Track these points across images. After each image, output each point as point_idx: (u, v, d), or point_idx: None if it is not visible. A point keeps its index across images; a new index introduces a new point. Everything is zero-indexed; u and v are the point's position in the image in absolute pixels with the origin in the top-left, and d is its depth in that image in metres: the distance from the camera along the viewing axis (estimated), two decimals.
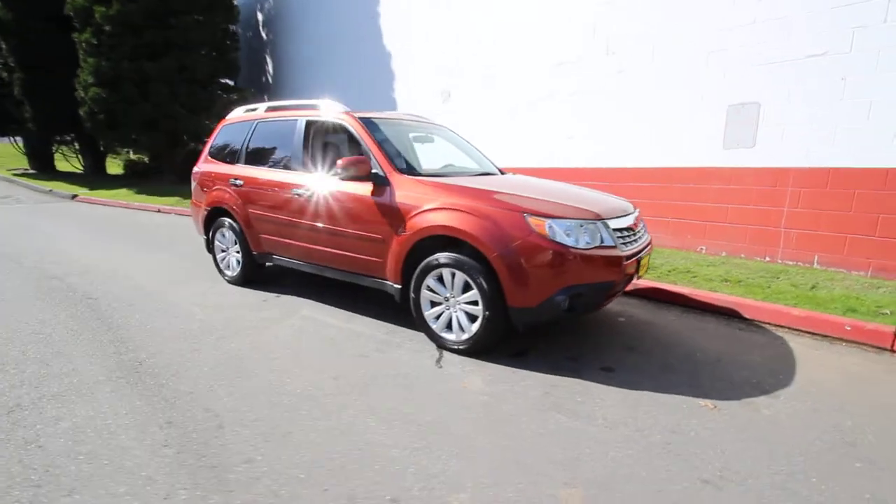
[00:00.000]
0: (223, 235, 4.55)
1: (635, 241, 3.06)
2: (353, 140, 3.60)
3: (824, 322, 3.36)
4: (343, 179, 3.34)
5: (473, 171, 3.92)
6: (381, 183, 3.26)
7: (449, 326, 3.05)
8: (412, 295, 3.15)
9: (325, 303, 4.01)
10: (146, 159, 18.02)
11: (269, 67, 15.38)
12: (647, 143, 5.82)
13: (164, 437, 2.11)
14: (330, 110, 3.81)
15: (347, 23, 11.27)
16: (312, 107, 3.98)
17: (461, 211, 2.87)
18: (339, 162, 3.27)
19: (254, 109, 4.55)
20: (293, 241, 3.89)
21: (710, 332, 3.44)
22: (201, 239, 4.90)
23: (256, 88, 15.48)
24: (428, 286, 3.07)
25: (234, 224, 4.36)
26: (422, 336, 3.28)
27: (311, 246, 3.75)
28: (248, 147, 4.34)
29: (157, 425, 2.21)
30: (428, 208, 3.00)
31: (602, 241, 2.77)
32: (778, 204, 4.82)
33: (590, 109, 6.40)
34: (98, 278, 4.74)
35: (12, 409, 2.32)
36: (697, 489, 1.82)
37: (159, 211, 10.08)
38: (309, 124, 3.90)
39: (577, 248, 2.67)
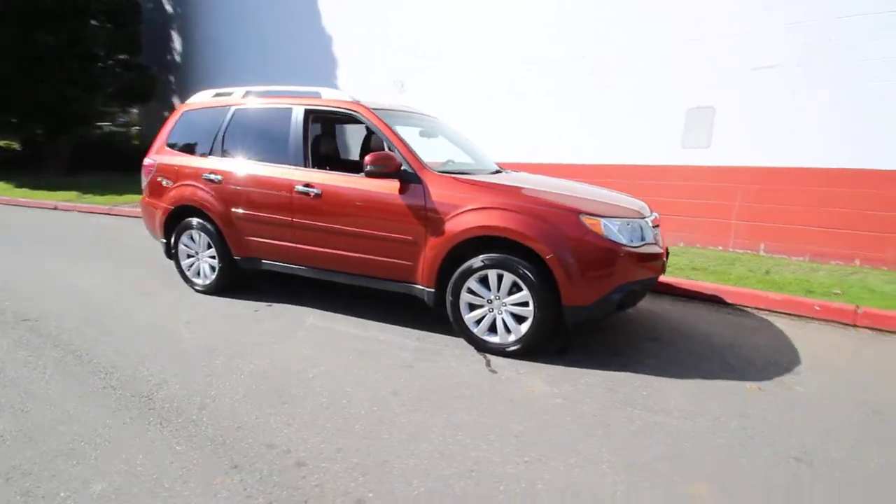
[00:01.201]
0: (191, 239, 3.97)
1: (660, 238, 3.22)
2: (368, 133, 3.32)
3: (797, 304, 3.83)
4: (369, 176, 3.07)
5: (483, 169, 3.83)
6: (410, 180, 3.05)
7: (492, 329, 2.97)
8: (449, 298, 3.01)
9: (327, 310, 3.69)
10: (16, 146, 15.14)
11: (177, 45, 13.71)
12: (610, 141, 6.16)
13: (240, 486, 1.78)
14: (336, 99, 3.47)
15: (279, 3, 10.38)
16: (311, 94, 3.59)
17: (512, 211, 2.79)
18: (368, 157, 3.00)
19: (227, 94, 3.99)
20: (292, 244, 3.50)
21: (707, 318, 3.76)
22: (135, 242, 4.21)
23: (160, 67, 13.72)
24: (469, 289, 2.95)
25: (209, 226, 3.82)
26: (456, 340, 3.15)
27: (318, 249, 3.41)
28: (224, 137, 3.80)
29: (221, 472, 1.86)
30: (471, 208, 2.87)
31: (645, 239, 2.88)
32: (730, 199, 5.39)
33: (552, 110, 6.61)
34: (26, 294, 3.90)
35: (11, 478, 1.81)
36: (796, 468, 1.97)
37: (56, 208, 8.54)
38: (308, 113, 3.52)
39: (629, 246, 2.74)
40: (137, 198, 9.43)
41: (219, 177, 3.71)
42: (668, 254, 3.21)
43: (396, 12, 8.34)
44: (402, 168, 3.05)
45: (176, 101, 14.22)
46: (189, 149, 3.99)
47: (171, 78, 14.23)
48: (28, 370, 2.64)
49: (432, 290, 3.08)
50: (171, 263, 4.30)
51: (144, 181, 4.21)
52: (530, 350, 2.89)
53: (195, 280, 4.04)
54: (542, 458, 1.99)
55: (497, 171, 3.78)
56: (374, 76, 8.82)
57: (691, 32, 5.42)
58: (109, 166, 13.52)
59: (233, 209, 3.69)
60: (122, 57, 12.37)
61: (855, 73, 4.61)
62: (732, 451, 2.08)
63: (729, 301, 4.07)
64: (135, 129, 18.38)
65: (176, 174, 3.94)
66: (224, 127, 3.81)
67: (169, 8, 13.91)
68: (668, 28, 5.57)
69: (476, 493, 1.78)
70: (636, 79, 5.87)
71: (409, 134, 3.76)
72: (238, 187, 3.65)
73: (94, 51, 11.15)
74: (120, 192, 9.68)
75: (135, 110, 16.00)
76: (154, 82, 12.95)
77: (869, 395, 2.60)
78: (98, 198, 9.18)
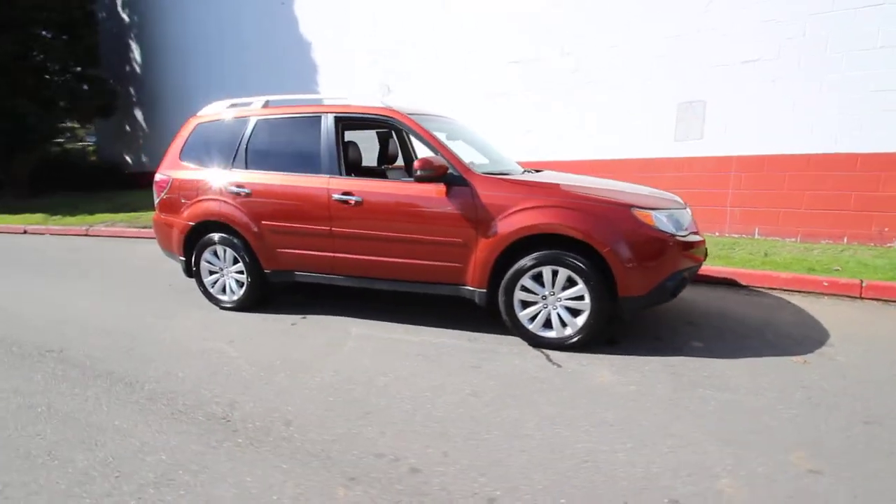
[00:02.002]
0: (215, 255, 3.83)
1: None
2: (404, 138, 3.32)
3: (807, 281, 4.11)
4: (419, 181, 3.06)
5: (512, 169, 3.87)
6: (457, 183, 3.07)
7: (546, 325, 3.03)
8: (503, 297, 3.05)
9: (365, 318, 3.64)
10: None
11: (136, 55, 13.10)
12: (606, 136, 6.37)
13: (366, 498, 1.76)
14: (369, 106, 3.44)
15: (250, 8, 10.11)
16: (340, 101, 3.55)
17: (566, 209, 2.86)
18: (417, 163, 3.00)
19: (244, 104, 3.88)
20: (331, 254, 3.44)
21: (730, 300, 3.97)
22: (124, 262, 4.05)
23: (117, 79, 13.05)
24: (523, 286, 3.00)
25: (236, 240, 3.70)
26: (507, 338, 3.20)
27: (359, 257, 3.37)
28: (248, 149, 3.69)
29: (340, 485, 1.83)
30: (524, 208, 2.93)
31: (688, 228, 3.03)
32: (723, 187, 5.70)
33: (547, 105, 6.77)
34: (32, 324, 3.65)
35: None
36: (871, 431, 2.13)
37: (25, 232, 7.99)
38: (339, 121, 3.48)
39: (679, 236, 2.88)
40: (112, 217, 9.06)
41: (246, 189, 3.60)
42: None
43: (378, 16, 8.31)
44: (448, 171, 3.07)
45: (138, 113, 13.61)
46: (207, 162, 3.84)
47: (132, 90, 13.59)
48: (80, 402, 2.49)
49: (484, 290, 3.11)
50: (176, 282, 4.16)
51: (157, 197, 4.02)
52: (585, 343, 2.97)
53: (221, 297, 3.89)
54: (644, 443, 2.07)
55: (526, 171, 3.85)
56: (358, 80, 8.75)
57: (680, 29, 5.69)
58: (70, 186, 12.75)
59: (263, 222, 3.59)
60: (76, 69, 11.67)
61: (826, 65, 4.98)
62: (808, 420, 2.23)
63: (743, 283, 4.31)
64: (90, 145, 17.41)
65: (195, 189, 3.79)
66: (247, 138, 3.70)
67: (125, 16, 13.26)
68: (658, 26, 5.83)
69: (599, 481, 1.83)
70: (628, 76, 6.10)
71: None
72: (269, 199, 3.56)
73: (48, 64, 10.49)
74: (91, 212, 9.15)
75: (79, 126, 15.15)
76: (115, 95, 12.31)
77: None
78: (69, 219, 8.64)
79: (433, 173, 3.00)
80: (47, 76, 10.83)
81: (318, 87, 9.49)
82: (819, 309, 3.71)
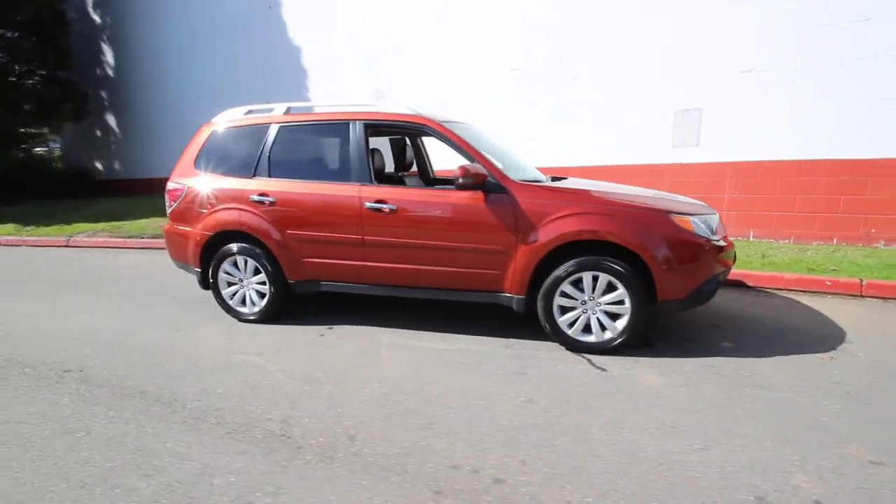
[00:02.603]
0: (234, 265, 3.71)
1: None
2: (418, 145, 3.30)
3: (811, 281, 4.31)
4: (461, 189, 3.06)
5: (538, 176, 3.88)
6: (495, 190, 3.09)
7: (586, 329, 3.07)
8: (542, 303, 3.08)
9: (392, 327, 3.60)
10: None
11: (109, 58, 12.60)
12: (605, 142, 6.53)
13: None
14: (399, 112, 3.41)
15: (235, 12, 9.88)
16: (367, 108, 3.51)
17: (606, 215, 2.92)
18: (458, 170, 2.99)
19: (264, 111, 3.77)
20: (362, 263, 3.39)
21: (744, 301, 4.12)
22: (117, 274, 3.93)
23: (87, 83, 12.49)
24: (563, 292, 3.04)
25: (258, 250, 3.59)
26: (543, 344, 3.22)
27: (393, 265, 3.33)
28: (270, 156, 3.60)
29: (428, 500, 1.80)
30: (564, 214, 2.96)
31: (719, 232, 3.13)
32: (720, 192, 5.92)
33: (546, 111, 6.89)
34: (41, 343, 3.45)
35: None
36: None
37: None
38: (368, 128, 3.44)
39: (714, 240, 2.98)
40: (91, 226, 8.63)
41: (270, 198, 3.50)
42: None
43: (368, 18, 8.27)
44: (487, 179, 3.08)
45: (111, 119, 13.05)
46: (226, 170, 3.72)
47: (103, 94, 13.01)
48: (121, 425, 2.36)
49: (523, 296, 3.13)
50: (182, 295, 4.04)
51: (170, 207, 3.87)
52: (626, 346, 3.03)
53: (241, 309, 3.77)
54: (711, 443, 2.12)
55: (553, 178, 3.86)
56: (349, 84, 8.67)
57: (676, 38, 5.91)
58: (37, 194, 12.09)
59: (288, 231, 3.50)
60: (42, 72, 11.08)
61: (818, 76, 5.28)
62: (853, 413, 2.34)
63: (751, 284, 4.49)
64: (54, 150, 16.56)
65: (214, 198, 3.67)
66: (269, 145, 3.60)
67: (96, 17, 12.73)
68: (655, 35, 6.04)
69: (680, 483, 1.87)
70: (626, 83, 6.28)
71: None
72: (295, 208, 3.48)
73: (15, 66, 9.94)
74: (68, 221, 8.70)
75: (48, 131, 14.39)
76: (87, 99, 11.78)
77: None
78: (45, 229, 8.19)
79: (474, 181, 3.01)
80: (13, 78, 10.25)
81: (308, 92, 9.35)
82: (827, 307, 3.90)
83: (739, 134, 5.72)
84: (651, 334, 3.33)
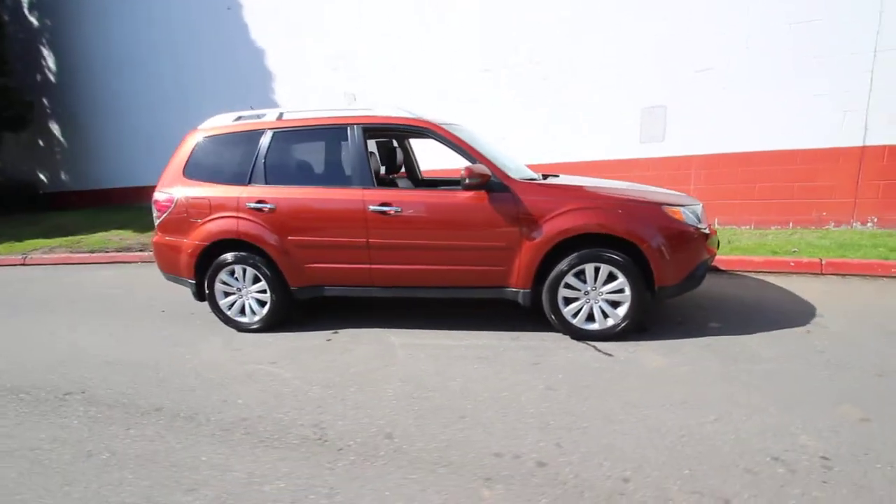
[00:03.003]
0: (232, 275, 3.63)
1: None
2: (406, 147, 3.36)
3: (777, 263, 4.70)
4: (467, 189, 3.14)
5: (530, 174, 4.01)
6: (498, 189, 3.20)
7: (589, 318, 3.24)
8: (547, 296, 3.22)
9: (395, 327, 3.65)
10: None
11: (50, 63, 11.82)
12: (576, 140, 6.80)
13: (511, 494, 1.83)
14: (397, 115, 3.46)
15: (191, 15, 9.51)
16: (363, 111, 3.53)
17: (605, 209, 3.09)
18: (464, 171, 3.08)
19: (255, 117, 3.71)
20: (367, 266, 3.42)
21: (720, 284, 4.42)
22: (88, 291, 3.84)
23: (25, 89, 11.65)
24: (566, 284, 3.19)
25: (257, 258, 3.54)
26: (547, 334, 3.36)
27: (399, 267, 3.38)
28: (266, 163, 3.55)
29: (480, 487, 1.88)
30: (566, 210, 3.11)
31: (703, 221, 3.38)
32: (686, 183, 6.30)
33: (518, 112, 7.08)
34: (23, 364, 3.27)
35: None
36: (886, 381, 2.54)
37: None
38: (366, 131, 3.46)
39: (702, 228, 3.21)
40: (45, 242, 8.10)
41: (269, 205, 3.46)
42: None
43: (337, 20, 8.20)
44: (490, 179, 3.18)
45: (55, 127, 12.24)
46: (218, 178, 3.64)
47: (45, 101, 12.17)
48: (145, 443, 2.30)
49: (528, 290, 3.26)
50: (170, 308, 3.94)
51: (159, 218, 3.74)
52: (628, 331, 3.22)
53: (240, 319, 3.70)
54: (723, 414, 2.31)
55: (547, 176, 4.00)
56: (319, 87, 8.56)
57: (640, 40, 6.24)
58: None
59: (289, 237, 3.47)
60: None
61: (769, 73, 5.73)
62: (836, 378, 2.61)
63: (723, 268, 4.84)
64: None
65: (208, 207, 3.58)
66: (264, 151, 3.56)
67: (33, 20, 11.89)
68: (620, 37, 6.35)
69: (705, 451, 2.04)
70: (594, 84, 6.57)
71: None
72: (296, 214, 3.45)
73: None
74: (19, 238, 8.12)
75: None
76: (30, 107, 11.00)
77: (883, 321, 3.36)
78: None
79: (479, 181, 3.10)
80: None
81: (273, 95, 9.15)
82: (794, 286, 4.26)
83: (702, 129, 6.11)
84: (645, 320, 3.55)
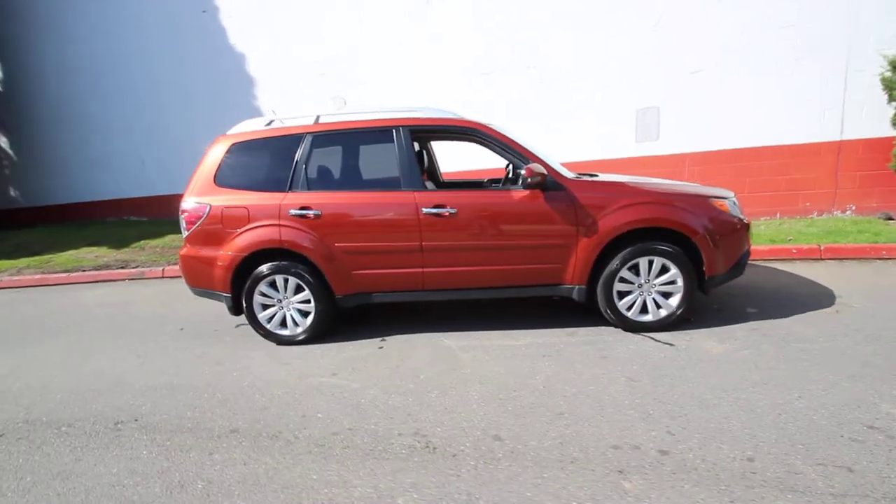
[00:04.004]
0: (272, 286, 3.47)
1: None
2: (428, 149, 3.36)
3: (781, 251, 5.02)
4: (528, 188, 3.16)
5: (573, 173, 4.04)
6: (553, 188, 3.24)
7: (643, 310, 3.33)
8: (602, 290, 3.29)
9: (445, 330, 3.61)
10: None
11: None
12: (575, 140, 6.98)
13: (649, 484, 1.85)
14: (447, 117, 3.43)
15: (163, 19, 9.01)
16: (409, 113, 3.47)
17: (658, 203, 3.20)
18: (525, 171, 3.11)
19: (289, 120, 3.57)
20: (420, 269, 3.36)
21: None
22: (82, 312, 3.72)
23: None
24: (621, 278, 3.27)
25: (302, 267, 3.40)
26: (600, 328, 3.44)
27: (454, 269, 3.35)
28: (307, 168, 3.42)
29: (618, 479, 1.89)
30: (621, 206, 3.20)
31: (741, 212, 3.56)
32: (680, 179, 6.61)
33: (516, 113, 7.19)
34: (63, 398, 2.99)
35: None
36: None
37: None
38: (415, 133, 3.42)
39: (745, 219, 3.38)
40: (11, 263, 7.43)
41: (315, 211, 3.34)
42: None
43: (326, 23, 8.04)
44: (547, 178, 3.22)
45: (2, 139, 11.22)
46: (255, 185, 3.47)
47: None
48: (239, 467, 2.15)
49: (584, 286, 3.31)
50: (189, 325, 3.74)
51: (189, 229, 3.51)
52: (679, 321, 3.34)
53: (282, 332, 3.53)
54: (804, 392, 2.44)
55: (587, 174, 4.03)
56: (305, 92, 8.34)
57: (635, 44, 6.51)
58: None
59: (337, 244, 3.36)
60: None
61: (752, 74, 6.13)
62: (882, 350, 2.82)
63: None
64: None
65: (245, 216, 3.40)
66: (304, 156, 3.43)
67: None
68: (616, 41, 6.60)
69: (806, 426, 2.15)
70: (591, 86, 6.79)
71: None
72: (344, 219, 3.35)
73: None
74: None
75: None
76: None
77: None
78: None
79: (539, 180, 3.14)
80: None
81: (255, 101, 8.83)
82: (801, 271, 4.57)
83: (694, 128, 6.45)
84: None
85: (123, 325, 4.40)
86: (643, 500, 1.78)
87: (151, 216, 10.06)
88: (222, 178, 3.53)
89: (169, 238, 8.09)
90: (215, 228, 3.47)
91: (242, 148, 3.56)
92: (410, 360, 3.19)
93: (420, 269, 3.38)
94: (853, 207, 6.02)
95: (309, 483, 2.00)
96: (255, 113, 8.75)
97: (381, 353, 3.33)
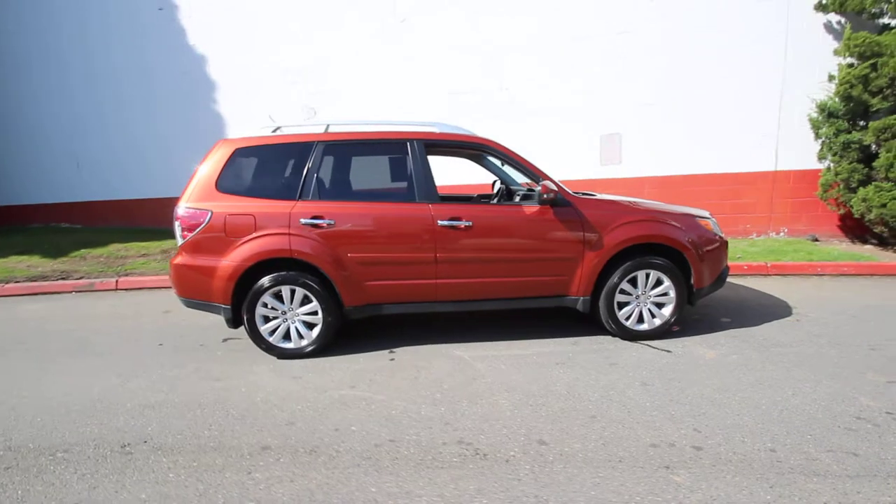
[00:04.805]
0: (276, 297, 3.34)
1: None
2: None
3: (735, 267, 5.56)
4: (544, 204, 3.32)
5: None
6: (562, 204, 3.43)
7: (640, 320, 3.58)
8: (604, 302, 3.50)
9: (453, 342, 3.65)
10: None
11: None
12: (543, 163, 7.33)
13: (698, 476, 2.01)
14: (458, 133, 3.53)
15: (108, 18, 8.38)
16: (423, 126, 3.53)
17: (656, 221, 3.49)
18: (542, 188, 3.26)
19: (296, 127, 3.48)
20: (434, 281, 3.39)
21: None
22: (56, 329, 3.50)
23: None
24: (621, 289, 3.50)
25: (311, 277, 3.31)
26: (600, 337, 3.65)
27: (467, 281, 3.41)
28: (318, 176, 3.35)
29: (668, 474, 2.03)
30: (623, 223, 3.45)
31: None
32: None
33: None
34: (46, 422, 2.67)
35: None
36: (882, 352, 3.22)
37: None
38: (429, 147, 3.47)
39: (724, 237, 3.76)
40: None
41: (329, 221, 3.27)
42: None
43: (296, 27, 7.90)
44: (557, 194, 3.40)
45: None
46: (261, 192, 3.34)
47: None
48: (285, 485, 2.04)
49: (588, 297, 3.51)
50: (168, 340, 3.57)
51: (186, 237, 3.29)
52: (668, 330, 3.62)
53: (285, 346, 3.39)
54: (795, 390, 2.75)
55: (584, 193, 4.26)
56: (272, 100, 8.10)
57: (601, 75, 7.02)
58: None
59: (350, 254, 3.31)
60: None
61: (698, 109, 6.84)
62: (846, 353, 3.24)
63: None
64: None
65: (252, 224, 3.26)
66: (316, 165, 3.35)
67: None
68: (583, 71, 7.08)
69: (807, 418, 2.43)
70: (560, 112, 7.21)
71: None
72: (358, 230, 3.31)
73: None
74: None
75: None
76: None
77: (842, 307, 4.21)
78: None
79: (553, 196, 3.31)
80: None
81: (217, 105, 8.43)
82: (754, 285, 5.11)
83: (653, 154, 7.04)
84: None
85: (86, 342, 3.98)
86: (696, 491, 1.94)
87: (85, 223, 9.20)
88: (225, 184, 3.36)
89: (114, 247, 7.42)
90: (216, 236, 3.29)
91: (248, 154, 3.43)
92: (427, 371, 3.19)
93: (434, 281, 3.41)
94: (786, 230, 6.84)
95: (370, 496, 1.96)
96: (215, 119, 8.38)
97: (394, 365, 3.30)
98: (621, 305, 3.56)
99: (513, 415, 2.58)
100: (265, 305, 3.35)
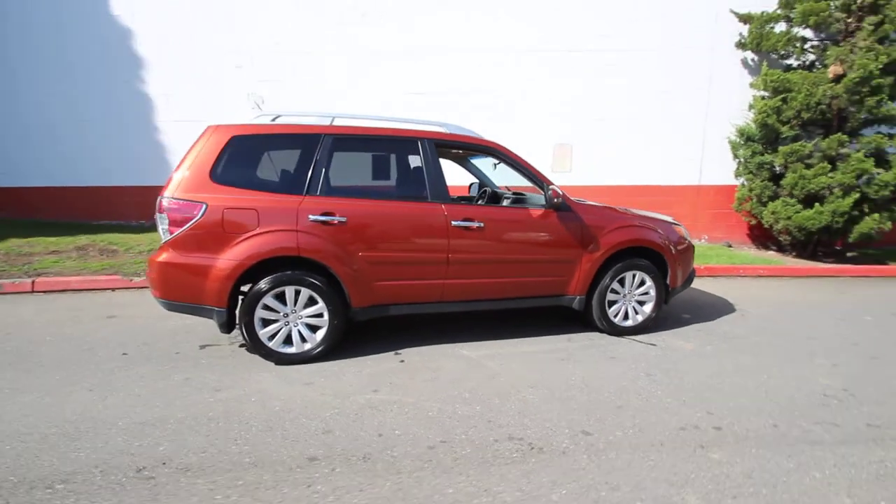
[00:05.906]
0: (278, 299, 3.10)
1: None
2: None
3: None
4: (554, 208, 3.44)
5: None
6: (564, 208, 3.61)
7: (625, 317, 3.88)
8: (597, 301, 3.76)
9: (456, 342, 3.68)
10: None
11: None
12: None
13: (732, 453, 2.26)
14: (469, 135, 3.55)
15: None
16: (432, 125, 3.50)
17: (642, 227, 3.82)
18: (551, 192, 3.39)
19: (298, 117, 3.26)
20: (444, 281, 3.39)
21: None
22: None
23: None
24: (612, 289, 3.78)
25: (318, 277, 3.13)
26: (590, 334, 3.92)
27: (476, 281, 3.46)
28: (326, 170, 3.17)
29: (708, 452, 2.25)
30: (616, 227, 3.73)
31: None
32: None
33: None
34: (20, 446, 2.23)
35: None
36: (816, 342, 3.84)
37: None
38: (437, 146, 3.45)
39: (691, 242, 4.21)
40: None
41: (341, 218, 3.11)
42: None
43: (238, 11, 7.35)
44: (562, 199, 3.57)
45: None
46: (262, 185, 3.09)
47: None
48: (357, 493, 1.94)
49: (583, 296, 3.74)
50: (131, 350, 3.39)
51: (174, 232, 2.93)
52: (648, 327, 3.98)
53: (287, 350, 3.16)
54: (770, 374, 3.20)
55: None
56: (216, 83, 7.44)
57: (553, 86, 7.45)
58: None
59: (360, 253, 3.18)
60: None
61: (640, 127, 7.56)
62: (790, 342, 3.82)
63: None
64: None
65: (255, 218, 2.99)
66: (324, 158, 3.17)
67: None
68: (542, 82, 7.45)
69: (789, 396, 2.84)
70: (514, 120, 7.52)
71: (483, 164, 4.22)
72: (372, 228, 3.20)
73: None
74: None
75: None
76: None
77: (775, 303, 4.91)
78: None
79: (560, 201, 3.48)
80: None
81: (144, 85, 7.54)
82: (695, 286, 5.77)
83: (599, 164, 7.63)
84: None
85: (28, 353, 3.36)
86: (734, 465, 2.18)
87: None
88: (220, 175, 3.06)
89: (13, 243, 6.30)
90: (212, 232, 2.98)
91: (246, 142, 3.15)
92: (442, 371, 3.18)
93: (443, 281, 3.41)
94: (706, 237, 7.79)
95: (452, 497, 1.93)
96: (142, 98, 7.50)
97: (406, 367, 3.24)
98: (611, 304, 3.85)
99: (547, 409, 2.68)
100: (266, 308, 3.11)
